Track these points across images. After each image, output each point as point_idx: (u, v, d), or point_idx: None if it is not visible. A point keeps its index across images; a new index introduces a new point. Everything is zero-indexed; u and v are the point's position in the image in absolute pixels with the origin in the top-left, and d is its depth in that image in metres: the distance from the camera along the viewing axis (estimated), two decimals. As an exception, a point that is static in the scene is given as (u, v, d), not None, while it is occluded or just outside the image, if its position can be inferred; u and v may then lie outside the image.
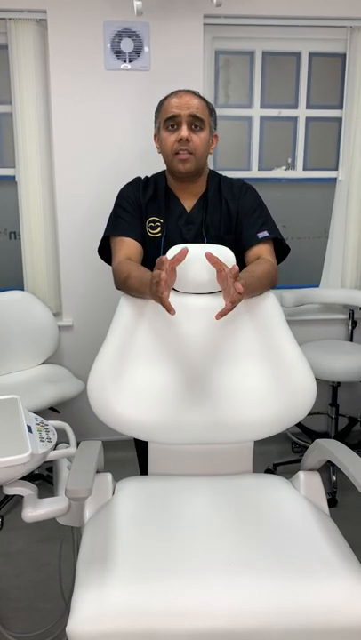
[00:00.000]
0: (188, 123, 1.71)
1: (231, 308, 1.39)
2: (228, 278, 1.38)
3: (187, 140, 1.70)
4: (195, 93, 1.75)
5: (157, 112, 1.79)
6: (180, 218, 1.82)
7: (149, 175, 1.90)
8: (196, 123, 1.71)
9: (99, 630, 1.07)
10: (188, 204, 1.83)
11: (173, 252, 1.57)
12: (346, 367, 2.52)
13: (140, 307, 1.60)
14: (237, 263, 1.62)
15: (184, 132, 1.70)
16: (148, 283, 1.51)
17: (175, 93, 1.75)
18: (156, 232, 1.81)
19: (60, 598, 1.85)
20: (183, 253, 1.40)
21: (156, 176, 1.88)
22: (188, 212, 1.82)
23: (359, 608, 1.11)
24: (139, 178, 1.89)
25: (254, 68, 2.76)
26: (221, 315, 1.39)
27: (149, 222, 1.81)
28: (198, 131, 1.73)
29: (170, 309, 1.39)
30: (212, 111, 1.78)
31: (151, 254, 1.80)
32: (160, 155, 1.81)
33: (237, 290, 1.34)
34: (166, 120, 1.73)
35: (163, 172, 1.87)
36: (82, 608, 1.09)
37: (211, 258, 1.41)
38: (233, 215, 1.81)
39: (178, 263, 1.42)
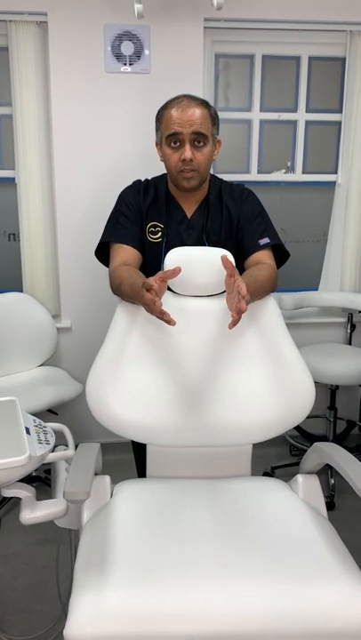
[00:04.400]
0: (190, 141, 1.68)
1: (239, 319, 1.39)
2: (237, 296, 1.37)
3: (190, 160, 1.68)
4: (196, 100, 1.70)
5: (158, 122, 1.75)
6: (181, 223, 1.81)
7: (149, 178, 1.89)
8: (199, 139, 1.68)
9: (96, 633, 1.07)
10: (189, 209, 1.82)
11: (172, 255, 1.57)
12: (344, 370, 2.52)
13: (137, 310, 1.60)
14: (237, 268, 1.62)
15: (188, 152, 1.67)
16: (138, 290, 1.50)
17: (177, 103, 1.69)
18: (156, 237, 1.80)
19: (58, 601, 1.84)
20: (176, 272, 1.40)
21: (156, 180, 1.87)
22: (189, 217, 1.82)
23: (357, 611, 1.11)
24: (139, 181, 1.88)
25: (254, 72, 2.77)
26: (234, 324, 1.38)
27: (150, 227, 1.81)
28: (202, 147, 1.69)
29: (170, 322, 1.38)
30: (214, 118, 1.73)
31: (151, 259, 1.80)
32: (162, 162, 1.79)
33: (241, 308, 1.34)
34: (168, 136, 1.70)
35: (163, 175, 1.86)
36: (79, 611, 1.09)
37: (226, 262, 1.42)
38: (234, 221, 1.80)
39: (168, 279, 1.41)
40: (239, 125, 2.82)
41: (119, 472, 1.65)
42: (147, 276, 1.64)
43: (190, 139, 1.68)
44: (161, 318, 1.38)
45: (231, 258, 1.57)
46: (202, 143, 1.69)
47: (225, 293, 1.60)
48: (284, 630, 1.10)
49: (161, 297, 1.42)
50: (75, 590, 1.15)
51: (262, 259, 1.75)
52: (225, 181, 1.88)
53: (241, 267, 1.75)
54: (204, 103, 1.72)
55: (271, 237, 1.79)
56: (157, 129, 1.77)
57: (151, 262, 1.79)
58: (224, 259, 1.43)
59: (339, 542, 1.29)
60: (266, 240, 1.77)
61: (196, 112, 1.68)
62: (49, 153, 2.67)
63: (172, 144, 1.70)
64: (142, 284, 1.42)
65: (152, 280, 1.40)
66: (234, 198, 1.82)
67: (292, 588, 1.14)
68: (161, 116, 1.74)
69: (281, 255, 1.85)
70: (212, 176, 1.87)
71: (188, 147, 1.68)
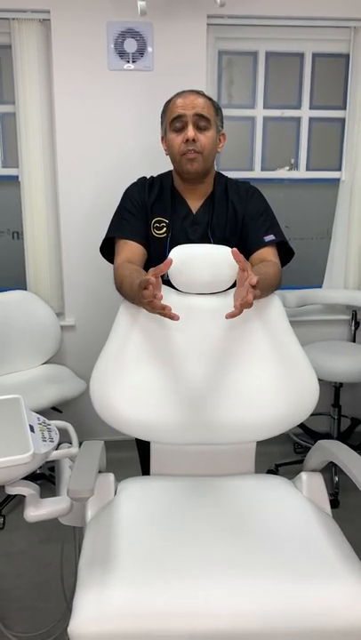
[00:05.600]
0: (193, 122, 1.70)
1: (240, 312, 1.37)
2: (247, 288, 1.36)
3: (193, 140, 1.69)
4: (200, 93, 1.74)
5: (163, 114, 1.79)
6: (186, 218, 1.81)
7: (154, 175, 1.89)
8: (202, 122, 1.70)
9: (100, 631, 1.07)
10: (195, 204, 1.82)
11: (175, 253, 1.57)
12: (348, 368, 2.52)
13: (140, 308, 1.60)
14: None
15: (190, 132, 1.69)
16: (136, 292, 1.48)
17: (180, 94, 1.74)
18: (161, 232, 1.80)
19: (62, 598, 1.85)
20: (168, 264, 1.37)
21: (161, 176, 1.88)
22: (195, 212, 1.82)
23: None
24: (144, 178, 1.88)
25: (257, 69, 2.76)
26: (232, 316, 1.37)
27: (154, 223, 1.81)
28: (205, 130, 1.71)
29: (173, 317, 1.37)
30: (217, 110, 1.76)
31: (156, 255, 1.80)
32: (167, 156, 1.80)
33: (248, 300, 1.32)
34: (172, 121, 1.72)
35: (169, 172, 1.87)
36: (83, 608, 1.09)
37: (237, 255, 1.40)
38: (239, 217, 1.80)
39: (161, 273, 1.38)
40: (243, 122, 2.82)
41: (123, 470, 1.65)
42: None
43: (193, 120, 1.70)
44: (163, 314, 1.37)
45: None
46: (205, 127, 1.71)
47: (229, 291, 1.60)
48: (287, 628, 1.10)
49: (159, 292, 1.40)
50: (79, 588, 1.15)
51: (267, 256, 1.75)
52: (230, 179, 1.88)
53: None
54: (206, 96, 1.76)
55: (276, 234, 1.78)
56: (162, 122, 1.79)
57: (157, 257, 1.79)
58: (234, 252, 1.40)
59: (343, 540, 1.29)
60: (271, 237, 1.77)
61: (199, 99, 1.72)
62: (52, 151, 2.67)
63: (176, 128, 1.72)
64: (139, 284, 1.40)
65: (148, 276, 1.37)
66: (240, 195, 1.82)
67: (295, 586, 1.13)
68: (165, 108, 1.78)
69: (286, 253, 1.84)
70: (218, 173, 1.87)
71: (190, 127, 1.70)
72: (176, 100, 1.73)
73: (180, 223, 1.81)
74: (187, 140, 1.70)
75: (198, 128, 1.71)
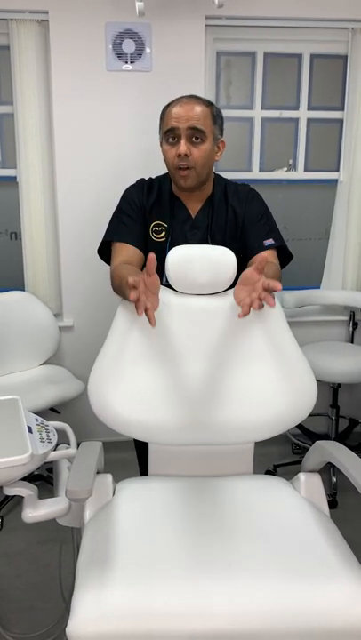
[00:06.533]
0: (187, 136, 1.66)
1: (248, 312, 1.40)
2: (262, 292, 1.37)
3: (186, 155, 1.67)
4: (199, 99, 1.70)
5: (161, 120, 1.75)
6: (186, 222, 1.80)
7: (153, 176, 1.89)
8: (196, 135, 1.67)
9: (99, 631, 1.07)
10: (194, 208, 1.82)
11: (174, 254, 1.57)
12: (346, 369, 2.52)
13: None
14: (239, 268, 1.62)
15: (182, 147, 1.66)
16: (124, 286, 1.48)
17: (178, 101, 1.70)
18: (160, 237, 1.80)
19: (60, 599, 1.85)
20: (151, 259, 1.35)
21: (160, 178, 1.86)
22: (194, 216, 1.81)
23: (359, 610, 1.11)
24: (143, 180, 1.87)
25: (256, 70, 2.76)
26: (245, 314, 1.39)
27: (153, 227, 1.80)
28: (199, 143, 1.68)
29: (150, 319, 1.37)
30: (216, 117, 1.72)
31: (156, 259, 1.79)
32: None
33: (270, 304, 1.35)
34: (166, 132, 1.69)
35: (167, 174, 1.85)
36: (82, 609, 1.09)
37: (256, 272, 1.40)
38: (239, 221, 1.80)
39: (152, 270, 1.37)
40: (241, 123, 2.82)
41: (121, 470, 1.65)
42: None
43: (187, 134, 1.66)
44: (146, 312, 1.37)
45: (232, 257, 1.58)
46: (199, 140, 1.67)
47: (228, 291, 1.60)
48: (286, 629, 1.10)
49: (156, 290, 1.41)
50: (77, 588, 1.15)
51: (267, 259, 1.75)
52: (230, 181, 1.87)
53: (245, 267, 1.75)
54: (206, 102, 1.72)
55: (275, 239, 1.78)
56: (160, 127, 1.77)
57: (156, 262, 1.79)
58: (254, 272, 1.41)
59: (341, 541, 1.29)
60: (270, 241, 1.77)
61: (196, 108, 1.67)
62: (50, 152, 2.67)
63: (170, 140, 1.70)
64: (127, 282, 1.40)
65: (138, 278, 1.38)
66: (239, 198, 1.81)
67: (293, 587, 1.14)
68: (163, 114, 1.74)
69: (284, 256, 1.85)
70: (217, 175, 1.86)
71: (183, 141, 1.66)
72: (172, 109, 1.69)
73: (180, 227, 1.80)
74: (179, 155, 1.67)
75: (192, 141, 1.67)
